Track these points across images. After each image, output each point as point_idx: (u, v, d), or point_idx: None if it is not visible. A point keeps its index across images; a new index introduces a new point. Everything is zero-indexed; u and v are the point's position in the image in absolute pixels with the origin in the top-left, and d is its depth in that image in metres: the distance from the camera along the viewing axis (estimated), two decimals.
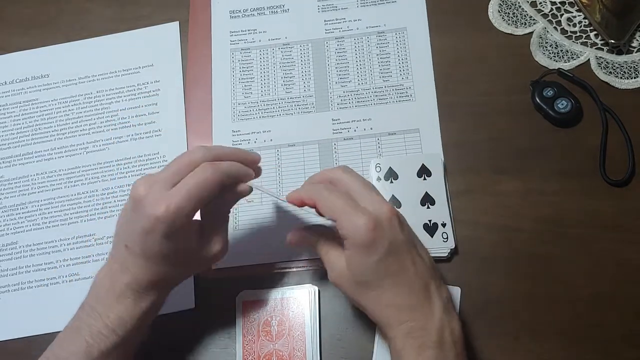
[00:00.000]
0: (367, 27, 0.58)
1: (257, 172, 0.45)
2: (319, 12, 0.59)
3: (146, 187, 0.39)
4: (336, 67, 0.57)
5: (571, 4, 0.57)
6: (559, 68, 0.54)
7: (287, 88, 0.56)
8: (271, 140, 0.55)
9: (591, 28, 0.56)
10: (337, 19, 0.59)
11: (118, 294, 0.40)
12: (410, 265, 0.39)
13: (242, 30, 0.59)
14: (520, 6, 0.57)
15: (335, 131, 0.54)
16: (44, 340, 0.49)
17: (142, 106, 0.57)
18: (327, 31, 0.58)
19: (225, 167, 0.40)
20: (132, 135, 0.56)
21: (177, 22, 0.60)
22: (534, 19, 0.56)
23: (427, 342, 0.38)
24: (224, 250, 0.43)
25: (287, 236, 0.43)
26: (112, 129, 0.56)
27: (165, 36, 0.60)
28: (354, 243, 0.38)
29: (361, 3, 0.59)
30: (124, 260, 0.40)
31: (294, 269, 0.50)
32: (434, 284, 0.39)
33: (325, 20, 0.59)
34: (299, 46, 0.58)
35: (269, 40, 0.59)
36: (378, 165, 0.51)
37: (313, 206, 0.41)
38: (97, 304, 0.41)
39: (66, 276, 0.51)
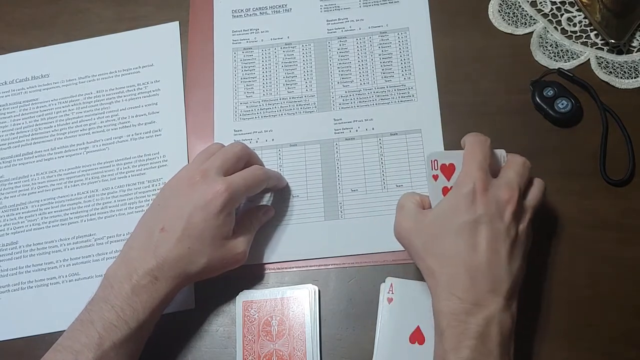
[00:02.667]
0: (369, 27, 0.58)
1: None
2: (321, 11, 0.59)
3: (200, 173, 0.45)
4: (338, 67, 0.57)
5: (571, 4, 0.57)
6: (559, 68, 0.54)
7: (289, 88, 0.56)
8: (273, 139, 0.55)
9: (591, 28, 0.56)
10: (339, 19, 0.59)
11: (134, 284, 0.41)
12: (490, 254, 0.39)
13: (244, 30, 0.59)
14: (520, 6, 0.57)
15: (337, 131, 0.54)
16: (44, 340, 0.49)
17: (142, 106, 0.57)
18: (330, 31, 0.58)
19: (271, 172, 0.50)
20: (132, 135, 0.56)
21: (177, 22, 0.60)
22: (534, 19, 0.56)
23: (469, 331, 0.37)
24: (245, 254, 0.47)
25: None
26: (112, 129, 0.56)
27: (165, 36, 0.60)
28: (458, 191, 0.40)
29: (364, 3, 0.59)
30: (154, 245, 0.42)
31: (294, 269, 0.50)
32: (503, 291, 0.39)
33: (327, 20, 0.59)
34: (301, 46, 0.58)
35: (272, 39, 0.59)
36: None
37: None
38: (109, 295, 0.41)
39: (66, 276, 0.51)
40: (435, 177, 0.43)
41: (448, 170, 0.43)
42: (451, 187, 0.42)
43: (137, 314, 0.41)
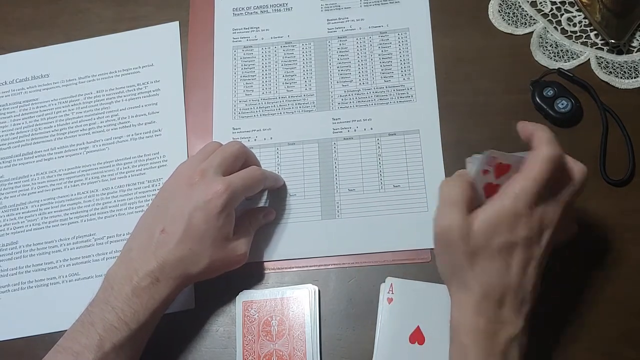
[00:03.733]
0: (369, 27, 0.58)
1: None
2: (321, 11, 0.59)
3: (199, 173, 0.45)
4: (338, 67, 0.57)
5: (571, 4, 0.57)
6: (559, 68, 0.54)
7: (288, 86, 0.57)
8: (271, 138, 0.55)
9: (591, 28, 0.56)
10: (339, 18, 0.59)
11: (134, 286, 0.41)
12: (521, 276, 0.37)
13: (244, 28, 0.59)
14: (520, 6, 0.57)
15: (335, 130, 0.54)
16: (44, 340, 0.49)
17: (142, 106, 0.57)
18: (330, 30, 0.58)
19: (269, 173, 0.49)
20: (132, 135, 0.56)
21: (177, 21, 0.60)
22: (534, 19, 0.56)
23: (495, 350, 0.36)
24: (245, 255, 0.47)
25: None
26: (112, 129, 0.56)
27: (165, 36, 0.60)
28: (507, 203, 0.37)
29: (364, 3, 0.59)
30: (154, 247, 0.42)
31: (294, 269, 0.50)
32: (525, 313, 0.38)
33: (328, 20, 0.59)
34: (301, 45, 0.58)
35: (272, 38, 0.59)
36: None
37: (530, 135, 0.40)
38: (110, 297, 0.41)
39: (66, 276, 0.51)
40: (485, 172, 0.39)
41: (501, 169, 0.39)
42: (496, 185, 0.39)
43: (137, 316, 0.41)
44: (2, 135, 0.57)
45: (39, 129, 0.57)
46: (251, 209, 0.50)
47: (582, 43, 0.55)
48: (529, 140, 0.40)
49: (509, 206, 0.37)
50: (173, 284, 0.42)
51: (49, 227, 0.53)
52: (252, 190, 0.47)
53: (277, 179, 0.51)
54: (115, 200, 0.53)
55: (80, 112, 0.57)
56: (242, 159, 0.48)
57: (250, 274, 0.50)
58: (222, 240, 0.44)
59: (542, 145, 0.38)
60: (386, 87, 0.55)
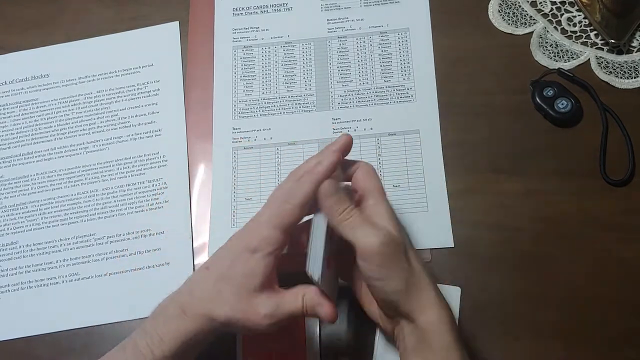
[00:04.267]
0: (369, 27, 0.58)
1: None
2: (322, 11, 0.59)
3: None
4: (338, 67, 0.57)
5: (571, 4, 0.57)
6: (559, 68, 0.54)
7: (288, 86, 0.57)
8: (271, 138, 0.55)
9: (591, 28, 0.56)
10: (340, 18, 0.59)
11: (169, 314, 0.40)
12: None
13: (244, 28, 0.59)
14: (520, 6, 0.57)
15: (335, 130, 0.54)
16: (44, 340, 0.49)
17: (142, 106, 0.57)
18: (330, 30, 0.58)
19: (300, 196, 0.40)
20: (132, 135, 0.56)
21: (177, 21, 0.60)
22: (534, 19, 0.56)
23: (459, 337, 0.37)
24: (265, 318, 0.39)
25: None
26: (112, 129, 0.56)
27: (165, 36, 0.60)
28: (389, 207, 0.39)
29: (364, 3, 0.59)
30: (195, 280, 0.41)
31: (294, 269, 0.50)
32: None
33: (328, 20, 0.59)
34: (301, 45, 0.58)
35: (272, 38, 0.59)
36: None
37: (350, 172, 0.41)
38: (148, 322, 0.40)
39: (66, 276, 0.51)
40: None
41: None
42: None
43: (162, 345, 0.39)
44: (2, 135, 0.57)
45: (39, 129, 0.57)
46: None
47: (582, 43, 0.55)
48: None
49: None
50: (198, 322, 0.40)
51: (49, 227, 0.53)
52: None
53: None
54: (115, 200, 0.53)
55: (80, 112, 0.57)
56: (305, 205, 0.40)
57: None
58: (248, 291, 0.39)
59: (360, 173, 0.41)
60: (386, 87, 0.55)
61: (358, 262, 0.38)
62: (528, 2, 0.57)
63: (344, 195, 0.39)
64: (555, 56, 0.55)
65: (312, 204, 0.40)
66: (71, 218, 0.53)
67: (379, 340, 0.45)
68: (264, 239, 0.39)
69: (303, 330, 0.47)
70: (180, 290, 0.42)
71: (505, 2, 0.57)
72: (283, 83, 0.57)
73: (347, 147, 0.41)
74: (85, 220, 0.53)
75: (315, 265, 0.39)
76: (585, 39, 0.55)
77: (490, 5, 0.57)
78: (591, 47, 0.55)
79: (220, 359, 0.47)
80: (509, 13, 0.57)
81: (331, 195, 0.39)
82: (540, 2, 0.57)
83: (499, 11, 0.57)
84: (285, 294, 0.41)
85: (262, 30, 0.59)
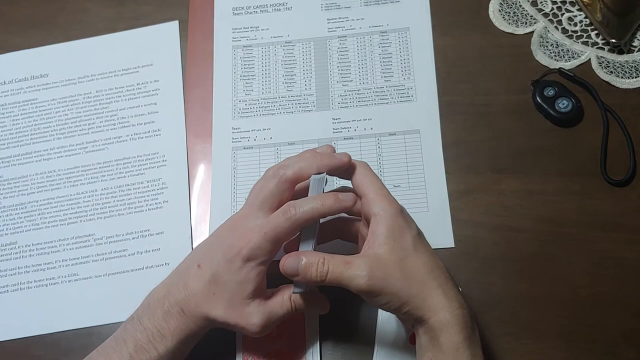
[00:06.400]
0: (370, 27, 0.58)
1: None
2: (322, 10, 0.59)
3: (244, 216, 0.41)
4: (338, 66, 0.57)
5: (572, 3, 0.57)
6: (560, 67, 0.54)
7: (288, 86, 0.56)
8: (271, 138, 0.54)
9: (592, 27, 0.56)
10: (340, 18, 0.58)
11: (165, 310, 0.41)
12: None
13: (244, 28, 0.59)
14: (520, 5, 0.57)
15: (335, 130, 0.54)
16: (44, 341, 0.49)
17: (142, 106, 0.57)
18: (330, 30, 0.58)
19: (300, 216, 0.40)
20: (132, 135, 0.56)
21: (177, 21, 0.60)
22: (534, 19, 0.56)
23: (474, 334, 0.37)
24: (257, 327, 0.41)
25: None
26: (111, 129, 0.56)
27: (164, 35, 0.59)
28: (392, 214, 0.38)
29: (364, 2, 0.59)
30: (187, 278, 0.41)
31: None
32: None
33: (328, 19, 0.59)
34: (301, 44, 0.58)
35: (272, 37, 0.59)
36: None
37: (343, 166, 0.41)
38: (144, 316, 0.41)
39: (65, 276, 0.51)
40: None
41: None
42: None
43: (165, 341, 0.40)
44: (1, 135, 0.57)
45: (38, 128, 0.57)
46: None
47: (582, 43, 0.55)
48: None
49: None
50: (197, 322, 0.41)
51: (48, 227, 0.53)
52: (293, 231, 0.40)
53: (313, 212, 0.40)
54: (114, 200, 0.53)
55: (80, 112, 0.57)
56: (286, 190, 0.41)
57: None
58: (240, 298, 0.40)
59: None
60: (386, 87, 0.55)
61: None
62: (529, 1, 0.57)
63: (309, 259, 0.38)
64: (556, 56, 0.55)
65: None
66: (70, 218, 0.53)
67: (379, 340, 0.45)
68: (258, 249, 0.39)
69: (303, 330, 0.46)
70: (174, 283, 0.42)
71: (505, 2, 0.57)
72: (283, 83, 0.57)
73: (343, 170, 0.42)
74: (84, 221, 0.53)
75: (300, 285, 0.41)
76: (586, 38, 0.55)
77: (490, 5, 0.57)
78: (592, 46, 0.55)
79: (220, 358, 0.47)
80: (509, 12, 0.57)
81: (296, 270, 0.39)
82: (541, 2, 0.57)
83: (499, 11, 0.57)
84: (275, 299, 0.42)
85: (262, 29, 0.59)
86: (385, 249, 0.38)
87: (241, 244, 0.40)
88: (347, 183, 0.42)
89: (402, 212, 0.39)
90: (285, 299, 0.42)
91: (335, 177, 0.51)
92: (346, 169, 0.41)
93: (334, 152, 0.42)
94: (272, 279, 0.43)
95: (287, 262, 0.39)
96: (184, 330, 0.41)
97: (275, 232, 0.39)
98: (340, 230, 0.45)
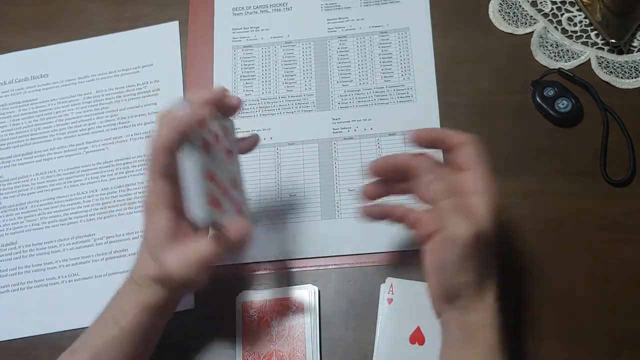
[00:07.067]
0: (370, 27, 0.58)
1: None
2: (322, 10, 0.59)
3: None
4: (338, 66, 0.57)
5: (572, 4, 0.57)
6: (560, 68, 0.54)
7: (288, 86, 0.56)
8: (271, 138, 0.54)
9: (592, 28, 0.56)
10: (340, 18, 0.58)
11: (125, 285, 0.42)
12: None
13: (244, 28, 0.59)
14: (520, 6, 0.57)
15: (335, 130, 0.54)
16: (44, 340, 0.49)
17: (142, 106, 0.57)
18: (330, 30, 0.58)
19: (162, 125, 0.38)
20: (132, 135, 0.56)
21: (177, 21, 0.60)
22: (534, 19, 0.56)
23: (500, 342, 0.37)
24: (182, 270, 0.39)
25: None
26: (111, 129, 0.56)
27: (164, 35, 0.59)
28: (494, 196, 0.38)
29: (364, 2, 0.59)
30: (140, 249, 0.42)
31: (294, 269, 0.50)
32: None
33: (328, 19, 0.59)
34: (301, 44, 0.58)
35: (272, 38, 0.59)
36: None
37: (453, 145, 0.40)
38: (116, 292, 0.42)
39: (65, 276, 0.51)
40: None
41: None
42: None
43: (127, 315, 0.40)
44: (2, 136, 0.57)
45: (39, 129, 0.57)
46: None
47: (582, 43, 0.55)
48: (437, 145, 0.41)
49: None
50: (150, 288, 0.40)
51: (49, 227, 0.53)
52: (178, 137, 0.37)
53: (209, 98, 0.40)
54: (114, 201, 0.53)
55: (80, 112, 0.57)
56: (171, 147, 0.38)
57: (250, 274, 0.49)
58: (155, 247, 0.39)
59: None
60: (386, 87, 0.55)
61: (440, 243, 0.37)
62: (528, 1, 0.57)
63: (438, 172, 0.39)
64: (555, 56, 0.55)
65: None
66: (71, 218, 0.53)
67: (379, 341, 0.45)
68: (154, 193, 0.39)
69: (303, 330, 0.46)
70: (136, 257, 0.43)
71: (505, 2, 0.57)
72: (283, 83, 0.57)
73: (220, 101, 0.40)
74: (84, 221, 0.53)
75: (197, 207, 0.37)
76: (585, 38, 0.55)
77: (490, 5, 0.57)
78: (592, 47, 0.55)
79: (220, 359, 0.47)
80: (509, 13, 0.57)
81: (427, 172, 0.39)
82: (541, 2, 0.57)
83: (499, 11, 0.57)
84: (194, 240, 0.40)
85: (262, 30, 0.59)
86: (488, 225, 0.37)
87: (146, 198, 0.40)
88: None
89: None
90: (204, 239, 0.40)
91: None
92: (451, 142, 0.40)
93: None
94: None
95: (422, 162, 0.40)
96: (141, 301, 0.40)
97: (155, 166, 0.38)
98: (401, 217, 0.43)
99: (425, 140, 0.41)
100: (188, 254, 0.39)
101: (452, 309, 0.38)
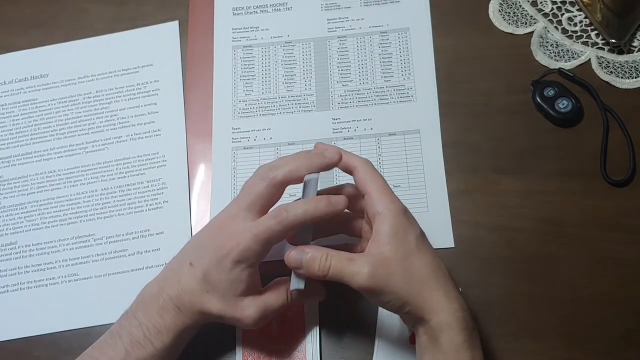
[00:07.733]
0: (370, 27, 0.58)
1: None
2: (322, 10, 0.59)
3: (231, 216, 0.41)
4: (338, 66, 0.57)
5: (572, 4, 0.57)
6: (560, 68, 0.54)
7: (288, 86, 0.56)
8: (271, 138, 0.54)
9: (592, 27, 0.56)
10: (340, 18, 0.58)
11: (160, 306, 0.41)
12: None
13: (244, 28, 0.59)
14: (520, 6, 0.57)
15: (335, 130, 0.54)
16: (44, 340, 0.49)
17: (142, 106, 0.57)
18: (330, 30, 0.58)
19: (291, 219, 0.39)
20: (132, 135, 0.56)
21: (177, 21, 0.60)
22: (534, 19, 0.56)
23: (474, 336, 0.38)
24: (252, 319, 0.41)
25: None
26: (111, 129, 0.56)
27: (164, 35, 0.59)
28: (396, 213, 0.38)
29: (364, 2, 0.59)
30: (180, 275, 0.41)
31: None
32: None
33: (328, 19, 0.59)
34: (301, 44, 0.58)
35: (272, 38, 0.59)
36: None
37: (348, 170, 0.41)
38: (139, 311, 0.41)
39: (65, 276, 0.51)
40: None
41: None
42: None
43: (161, 337, 0.40)
44: (1, 135, 0.57)
45: (38, 129, 0.57)
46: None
47: (582, 43, 0.55)
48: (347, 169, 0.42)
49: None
50: (193, 318, 0.41)
51: (48, 227, 0.53)
52: (282, 236, 0.40)
53: (305, 215, 0.40)
54: (114, 201, 0.53)
55: (80, 112, 0.57)
56: (276, 192, 0.42)
57: None
58: (233, 296, 0.41)
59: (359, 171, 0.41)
60: (386, 87, 0.55)
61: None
62: (528, 1, 0.57)
63: (313, 253, 0.39)
64: (555, 56, 0.55)
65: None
66: (70, 218, 0.53)
67: (379, 340, 0.45)
68: (248, 251, 0.39)
69: (303, 330, 0.46)
70: (167, 279, 0.42)
71: (505, 2, 0.57)
72: (283, 83, 0.57)
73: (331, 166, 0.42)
74: (84, 221, 0.53)
75: (298, 281, 0.41)
76: (585, 38, 0.55)
77: (490, 5, 0.57)
78: (592, 46, 0.55)
79: (220, 358, 0.47)
80: (509, 13, 0.57)
81: (299, 262, 0.39)
82: (541, 2, 0.57)
83: (499, 11, 0.57)
84: (269, 293, 0.42)
85: (261, 30, 0.59)
86: (389, 247, 0.38)
87: (231, 245, 0.39)
88: (349, 179, 0.42)
89: (405, 211, 0.40)
90: (281, 292, 0.42)
91: (335, 173, 0.51)
92: (345, 166, 0.42)
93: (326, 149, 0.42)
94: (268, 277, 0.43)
95: (292, 255, 0.39)
96: (179, 326, 0.41)
97: (266, 234, 0.39)
98: (344, 225, 0.45)
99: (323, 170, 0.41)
100: (266, 304, 0.41)
101: (414, 317, 0.38)
